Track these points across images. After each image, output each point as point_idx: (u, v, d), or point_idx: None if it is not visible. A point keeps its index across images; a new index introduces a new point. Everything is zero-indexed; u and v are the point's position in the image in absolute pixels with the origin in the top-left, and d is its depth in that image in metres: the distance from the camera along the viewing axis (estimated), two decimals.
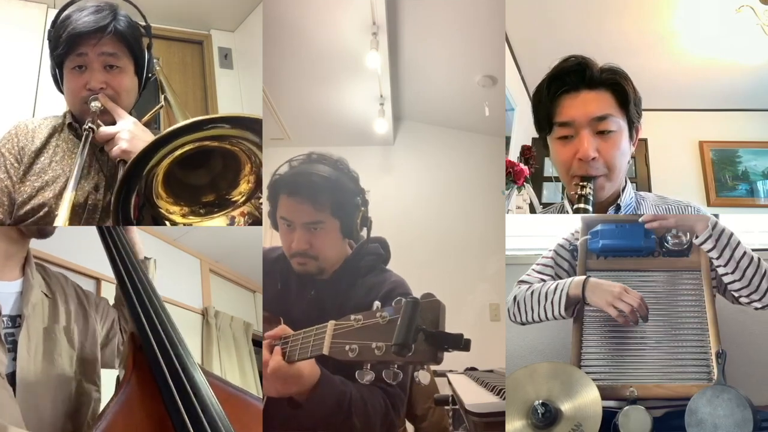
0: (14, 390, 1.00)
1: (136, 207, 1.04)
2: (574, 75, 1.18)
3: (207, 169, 1.13)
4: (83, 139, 1.16)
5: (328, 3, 2.51)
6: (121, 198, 1.01)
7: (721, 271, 1.23)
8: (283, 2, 2.46)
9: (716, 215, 1.61)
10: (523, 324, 1.35)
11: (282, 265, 1.33)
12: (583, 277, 1.27)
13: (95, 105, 1.20)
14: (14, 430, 0.74)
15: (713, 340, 1.20)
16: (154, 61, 1.37)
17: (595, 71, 1.18)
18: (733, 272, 1.21)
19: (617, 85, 1.18)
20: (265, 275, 1.34)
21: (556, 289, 1.28)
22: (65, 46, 1.22)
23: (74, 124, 1.30)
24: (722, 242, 1.21)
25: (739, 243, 1.22)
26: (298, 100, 3.30)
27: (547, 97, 1.20)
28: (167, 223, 1.08)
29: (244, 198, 1.13)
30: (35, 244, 1.24)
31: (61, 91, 1.31)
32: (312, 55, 2.82)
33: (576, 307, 1.28)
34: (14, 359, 1.05)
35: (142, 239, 1.32)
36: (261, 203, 1.15)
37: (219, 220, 1.13)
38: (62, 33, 1.22)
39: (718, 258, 1.22)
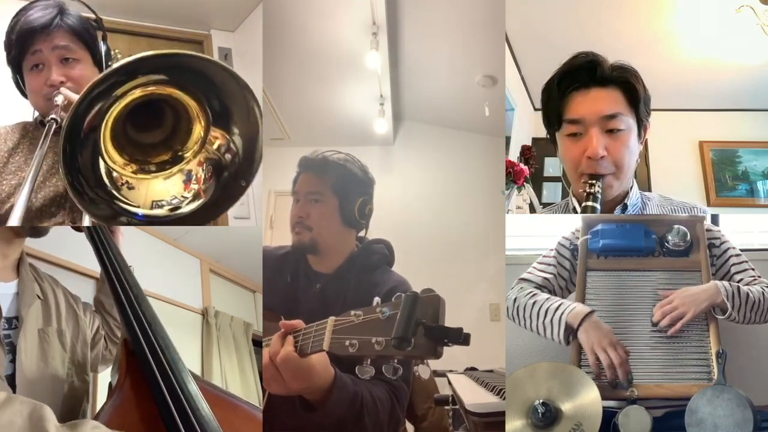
0: (14, 392, 1.00)
1: (87, 127, 0.96)
2: (584, 72, 1.18)
3: (160, 129, 1.08)
4: (45, 130, 1.13)
5: (328, 3, 2.51)
6: (76, 119, 0.94)
7: (735, 321, 1.22)
8: (283, 2, 2.46)
9: (716, 215, 1.61)
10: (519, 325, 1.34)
11: (290, 260, 1.35)
12: (587, 310, 1.21)
13: (59, 98, 1.19)
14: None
15: (713, 340, 1.20)
16: (114, 51, 1.36)
17: (605, 69, 1.18)
18: (748, 321, 1.22)
19: (627, 84, 1.17)
20: (270, 273, 1.36)
21: (557, 309, 1.24)
22: (18, 45, 1.22)
23: (44, 120, 1.27)
24: (737, 303, 1.19)
25: (748, 294, 1.20)
26: (298, 100, 3.30)
27: (557, 94, 1.20)
28: (103, 170, 0.98)
29: (198, 145, 1.06)
30: (34, 244, 1.24)
31: (26, 97, 1.31)
32: (312, 55, 2.82)
33: (571, 335, 1.22)
34: (11, 361, 1.05)
35: (143, 239, 1.32)
36: (218, 144, 1.06)
37: (175, 179, 1.06)
38: (13, 36, 1.23)
39: (737, 320, 1.21)
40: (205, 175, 1.06)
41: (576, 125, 1.18)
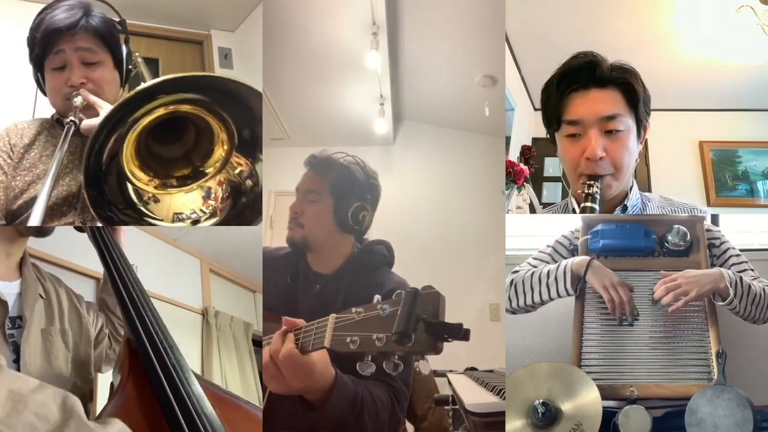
0: None
1: (108, 158, 0.99)
2: (583, 72, 1.18)
3: (181, 143, 1.10)
4: (64, 132, 1.15)
5: (328, 3, 2.51)
6: (93, 154, 0.97)
7: (736, 312, 1.22)
8: (283, 2, 2.46)
9: (716, 215, 1.61)
10: (515, 311, 1.34)
11: (290, 261, 1.36)
12: (589, 257, 1.28)
13: (78, 100, 1.21)
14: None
15: (713, 340, 1.20)
16: (135, 54, 1.39)
17: (605, 69, 1.18)
18: (748, 316, 1.22)
19: (627, 84, 1.17)
20: (270, 273, 1.36)
21: (558, 267, 1.29)
22: (41, 44, 1.23)
23: (62, 119, 1.30)
24: (740, 292, 1.19)
25: (750, 286, 1.21)
26: (298, 100, 3.30)
27: (556, 95, 1.20)
28: (131, 190, 1.02)
29: (219, 165, 1.09)
30: (36, 244, 1.24)
31: (45, 94, 1.32)
32: (312, 55, 2.82)
33: (578, 285, 1.28)
34: (14, 361, 1.05)
35: (143, 239, 1.32)
36: (240, 170, 1.09)
37: (194, 193, 1.09)
38: (37, 34, 1.23)
39: (738, 311, 1.21)
40: (222, 195, 1.09)
41: (575, 126, 1.18)
